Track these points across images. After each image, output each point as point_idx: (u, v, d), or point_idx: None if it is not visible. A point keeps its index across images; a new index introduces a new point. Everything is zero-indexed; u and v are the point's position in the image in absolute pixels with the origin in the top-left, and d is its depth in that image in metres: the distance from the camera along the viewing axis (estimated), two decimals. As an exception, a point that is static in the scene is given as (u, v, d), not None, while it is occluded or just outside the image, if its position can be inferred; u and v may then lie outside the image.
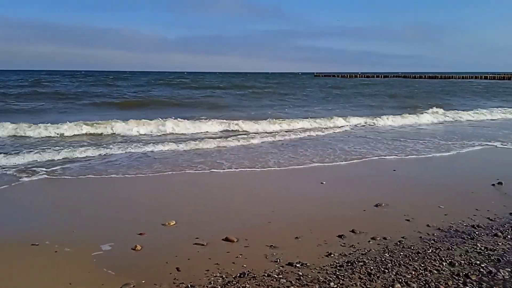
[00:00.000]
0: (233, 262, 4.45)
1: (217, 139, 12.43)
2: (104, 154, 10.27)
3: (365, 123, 17.23)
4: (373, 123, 17.19)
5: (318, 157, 10.21)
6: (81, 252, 4.73)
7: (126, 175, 8.30)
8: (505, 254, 4.62)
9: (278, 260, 4.49)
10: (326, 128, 15.47)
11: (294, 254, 4.64)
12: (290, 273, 4.18)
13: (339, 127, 15.88)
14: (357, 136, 13.86)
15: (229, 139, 12.60)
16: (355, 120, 17.40)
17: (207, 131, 14.70)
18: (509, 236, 5.12)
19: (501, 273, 4.17)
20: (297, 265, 4.34)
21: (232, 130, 14.97)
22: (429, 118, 18.89)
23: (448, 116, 19.80)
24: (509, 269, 4.26)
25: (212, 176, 8.47)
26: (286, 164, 9.49)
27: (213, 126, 15.21)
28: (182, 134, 14.12)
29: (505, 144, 12.08)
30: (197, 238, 5.10)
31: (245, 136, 13.34)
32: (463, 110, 22.05)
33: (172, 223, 5.60)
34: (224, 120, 16.12)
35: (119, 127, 14.26)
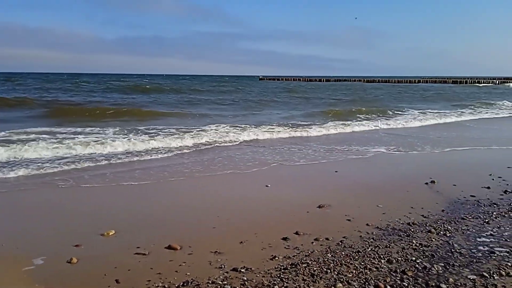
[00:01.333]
0: (176, 270, 4.34)
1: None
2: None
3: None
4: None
5: (262, 160, 10.30)
6: (10, 268, 4.39)
7: (60, 185, 7.83)
8: (438, 250, 4.89)
9: (223, 266, 4.44)
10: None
11: (239, 259, 4.61)
12: (235, 279, 4.14)
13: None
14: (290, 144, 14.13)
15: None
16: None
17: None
18: (441, 232, 5.43)
19: (435, 268, 4.40)
20: (242, 270, 4.31)
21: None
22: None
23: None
24: (442, 264, 4.50)
25: (154, 183, 8.22)
26: (231, 168, 9.47)
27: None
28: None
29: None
30: (138, 247, 4.91)
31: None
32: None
33: (111, 233, 5.36)
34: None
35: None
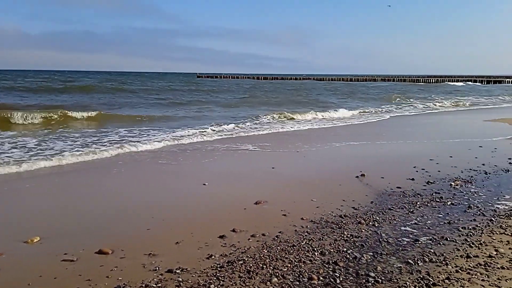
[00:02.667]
0: (108, 275, 4.15)
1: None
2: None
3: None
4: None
5: (199, 158, 10.21)
6: None
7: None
8: (367, 240, 5.12)
9: (157, 268, 4.32)
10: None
11: (174, 260, 4.51)
12: (170, 280, 4.05)
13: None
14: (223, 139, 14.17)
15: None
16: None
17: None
18: (371, 223, 5.70)
19: (364, 257, 4.61)
20: (177, 271, 4.23)
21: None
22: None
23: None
24: (371, 253, 4.73)
25: (84, 182, 7.83)
26: (167, 167, 9.27)
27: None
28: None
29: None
30: (65, 253, 4.64)
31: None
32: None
33: (35, 240, 5.02)
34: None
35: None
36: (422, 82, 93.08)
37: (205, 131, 14.83)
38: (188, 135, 13.82)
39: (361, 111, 24.71)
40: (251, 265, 4.37)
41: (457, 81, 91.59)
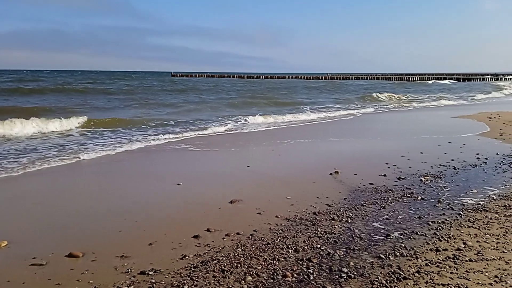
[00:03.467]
0: (78, 279, 4.06)
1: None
2: None
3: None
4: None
5: (174, 158, 10.12)
6: None
7: None
8: (341, 236, 5.19)
9: (130, 270, 4.26)
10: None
11: (147, 261, 4.45)
12: (142, 282, 4.00)
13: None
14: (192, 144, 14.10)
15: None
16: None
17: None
18: (344, 219, 5.77)
19: (337, 253, 4.67)
20: (150, 273, 4.17)
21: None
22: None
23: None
24: (344, 249, 4.79)
25: (54, 184, 7.63)
26: (140, 168, 9.15)
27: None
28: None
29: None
30: (34, 258, 4.51)
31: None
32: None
33: (3, 244, 4.86)
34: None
35: None
36: (395, 80, 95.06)
37: (185, 131, 14.73)
38: (166, 136, 13.68)
39: (335, 108, 25.02)
40: (225, 264, 4.36)
41: (430, 79, 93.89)
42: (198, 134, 14.46)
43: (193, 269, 4.27)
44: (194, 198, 6.82)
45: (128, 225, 5.56)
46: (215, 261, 4.43)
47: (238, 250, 4.73)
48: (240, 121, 18.12)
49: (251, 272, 4.18)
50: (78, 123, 15.99)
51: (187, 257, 4.56)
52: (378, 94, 37.62)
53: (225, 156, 10.51)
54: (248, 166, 9.07)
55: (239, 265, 4.35)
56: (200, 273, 4.16)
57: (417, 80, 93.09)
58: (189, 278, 4.06)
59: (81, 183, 7.90)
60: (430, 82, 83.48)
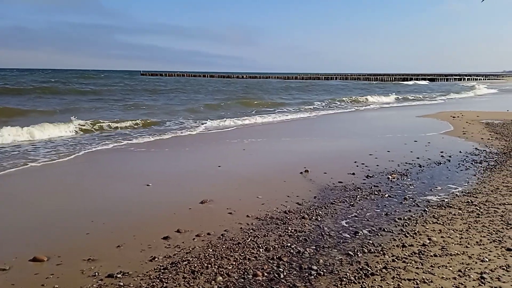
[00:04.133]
0: (43, 284, 3.94)
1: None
2: None
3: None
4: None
5: (144, 159, 9.97)
6: None
7: None
8: (310, 234, 5.25)
9: (97, 273, 4.16)
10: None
11: (116, 264, 4.36)
12: (110, 286, 3.92)
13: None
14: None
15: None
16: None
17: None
18: (314, 217, 5.84)
19: (307, 251, 4.71)
20: (118, 276, 4.09)
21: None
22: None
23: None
24: (314, 247, 4.85)
25: (14, 185, 7.36)
26: (108, 169, 8.96)
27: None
28: None
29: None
30: (-5, 263, 4.34)
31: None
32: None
33: (-39, 251, 4.64)
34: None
35: None
36: (363, 79, 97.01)
37: (156, 131, 14.51)
38: (137, 136, 13.43)
39: (307, 107, 25.29)
40: (195, 265, 4.33)
41: (406, 79, 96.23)
42: (175, 134, 14.29)
43: (162, 270, 4.21)
44: (164, 199, 6.73)
45: (95, 228, 5.43)
46: (185, 262, 4.39)
47: (209, 251, 4.70)
48: (207, 122, 18.02)
49: (222, 272, 4.17)
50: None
51: (156, 258, 4.49)
52: (345, 97, 38.24)
53: (196, 156, 10.43)
54: (219, 166, 9.03)
55: (210, 265, 4.32)
56: (170, 275, 4.11)
57: (386, 80, 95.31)
58: (158, 280, 4.00)
59: (46, 185, 7.67)
60: (405, 82, 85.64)
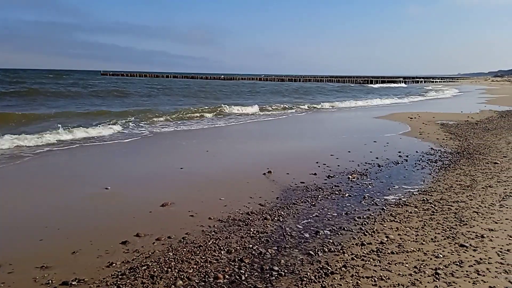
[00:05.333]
0: (-9, 295, 3.73)
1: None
2: None
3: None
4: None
5: (103, 160, 9.68)
6: None
7: None
8: (272, 235, 5.26)
9: (50, 281, 3.99)
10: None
11: (71, 271, 4.20)
12: (64, 294, 3.76)
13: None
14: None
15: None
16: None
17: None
18: (276, 218, 5.86)
19: (269, 252, 4.72)
20: (73, 283, 3.94)
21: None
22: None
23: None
24: (276, 247, 4.86)
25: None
26: (64, 171, 8.64)
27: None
28: None
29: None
30: None
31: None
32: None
33: None
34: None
35: None
36: (326, 81, 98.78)
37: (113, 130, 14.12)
38: (95, 135, 13.02)
39: (273, 109, 25.43)
40: (155, 269, 4.23)
41: (372, 82, 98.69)
42: (131, 138, 13.96)
43: (120, 276, 4.09)
44: (123, 203, 6.55)
45: (49, 233, 5.21)
46: (145, 267, 4.28)
47: (169, 254, 4.62)
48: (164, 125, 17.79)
49: (182, 276, 4.10)
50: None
51: (114, 264, 4.36)
52: (309, 95, 38.68)
53: (158, 159, 10.24)
54: (181, 168, 8.91)
55: (170, 269, 4.24)
56: (128, 280, 4.00)
57: (346, 82, 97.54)
58: (115, 286, 3.89)
59: (-3, 190, 7.29)
60: (366, 84, 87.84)
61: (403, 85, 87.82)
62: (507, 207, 6.18)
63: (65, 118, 17.84)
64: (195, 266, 4.33)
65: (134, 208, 6.28)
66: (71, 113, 19.85)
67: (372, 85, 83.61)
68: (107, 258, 4.51)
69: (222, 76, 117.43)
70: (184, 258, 4.52)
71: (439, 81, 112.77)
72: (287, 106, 27.10)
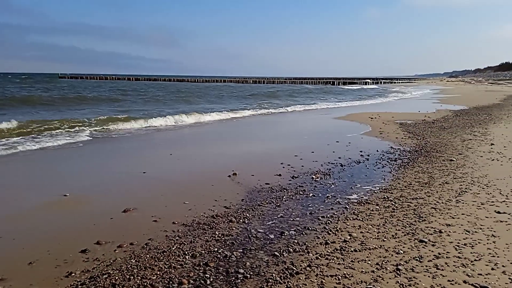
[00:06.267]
0: None
1: None
2: None
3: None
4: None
5: (60, 164, 9.32)
6: None
7: None
8: (238, 237, 5.24)
9: (5, 295, 3.79)
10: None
11: (27, 283, 4.02)
12: (20, 307, 3.58)
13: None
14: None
15: None
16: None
17: None
18: (241, 220, 5.85)
19: (234, 255, 4.70)
20: (29, 296, 3.76)
21: None
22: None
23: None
24: (241, 250, 4.84)
25: None
26: (19, 176, 8.25)
27: None
28: None
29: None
30: None
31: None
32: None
33: None
34: None
35: None
36: (289, 83, 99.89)
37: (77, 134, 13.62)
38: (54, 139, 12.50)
39: (233, 111, 25.40)
40: (116, 278, 4.11)
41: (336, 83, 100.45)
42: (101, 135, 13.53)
43: (80, 286, 3.95)
44: (83, 209, 6.33)
45: (3, 244, 4.96)
46: (105, 276, 4.15)
47: (132, 262, 4.50)
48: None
49: (145, 284, 4.01)
50: None
51: (73, 274, 4.20)
52: (272, 97, 38.99)
53: (119, 163, 9.98)
54: (144, 172, 8.72)
55: (132, 277, 4.13)
56: (88, 290, 3.86)
57: (308, 84, 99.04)
58: (75, 297, 3.74)
59: None
60: (322, 85, 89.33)
61: (363, 86, 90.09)
62: (463, 203, 6.45)
63: None
64: (158, 273, 4.24)
65: (94, 215, 6.09)
66: None
67: (332, 86, 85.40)
68: (65, 268, 4.34)
69: (188, 78, 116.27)
70: (148, 265, 4.42)
71: (397, 82, 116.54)
72: (250, 108, 27.17)
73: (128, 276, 4.14)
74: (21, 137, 13.13)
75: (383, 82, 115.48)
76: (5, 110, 23.24)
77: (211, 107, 28.91)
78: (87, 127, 15.78)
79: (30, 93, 37.20)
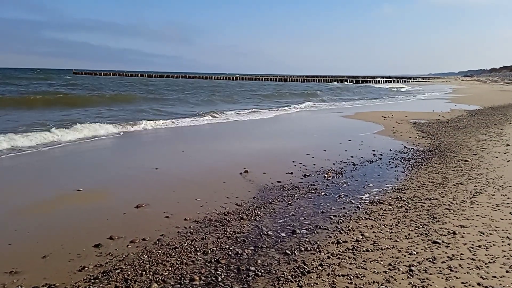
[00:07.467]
0: (-45, 303, 3.56)
1: None
2: None
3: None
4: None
5: (75, 161, 9.43)
6: None
7: None
8: (249, 235, 5.24)
9: (20, 286, 3.88)
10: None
11: (41, 276, 4.07)
12: (34, 300, 3.63)
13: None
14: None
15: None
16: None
17: None
18: (252, 218, 5.85)
19: (245, 252, 4.70)
20: (43, 288, 3.81)
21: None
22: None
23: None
24: (252, 247, 4.84)
25: None
26: (34, 171, 8.37)
27: None
28: None
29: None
30: None
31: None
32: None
33: None
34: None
35: None
36: (301, 81, 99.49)
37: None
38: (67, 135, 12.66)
39: (254, 110, 25.41)
40: (129, 272, 4.15)
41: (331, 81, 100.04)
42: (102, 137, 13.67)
43: (92, 281, 3.99)
44: (96, 204, 6.40)
45: (19, 237, 5.04)
46: (118, 270, 4.19)
47: (144, 257, 4.53)
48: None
49: (157, 279, 4.03)
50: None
51: (86, 268, 4.25)
52: (280, 95, 38.79)
53: (132, 159, 10.05)
54: (156, 168, 8.78)
55: (144, 272, 4.16)
56: (101, 284, 3.91)
57: (322, 81, 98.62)
58: (88, 291, 3.78)
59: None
60: (335, 83, 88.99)
61: (372, 84, 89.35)
62: (477, 204, 6.36)
63: None
64: (170, 268, 4.27)
65: (107, 210, 6.15)
66: None
67: (347, 84, 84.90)
68: (79, 262, 4.39)
69: (199, 75, 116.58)
70: (159, 260, 4.44)
71: (411, 81, 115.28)
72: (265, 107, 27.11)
73: (140, 272, 4.17)
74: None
75: (396, 80, 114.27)
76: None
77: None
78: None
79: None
